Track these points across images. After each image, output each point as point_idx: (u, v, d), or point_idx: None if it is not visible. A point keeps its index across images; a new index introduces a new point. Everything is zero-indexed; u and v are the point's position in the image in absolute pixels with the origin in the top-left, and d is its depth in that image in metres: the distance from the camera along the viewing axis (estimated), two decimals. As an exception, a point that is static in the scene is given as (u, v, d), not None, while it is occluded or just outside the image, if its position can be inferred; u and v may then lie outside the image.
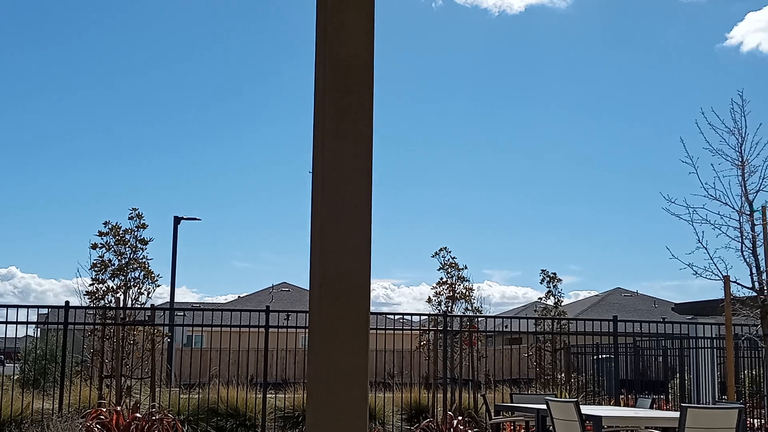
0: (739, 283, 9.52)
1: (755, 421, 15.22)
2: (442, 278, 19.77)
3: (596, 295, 49.84)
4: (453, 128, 53.65)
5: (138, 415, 11.94)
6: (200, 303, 52.02)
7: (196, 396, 14.59)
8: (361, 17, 2.58)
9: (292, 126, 44.48)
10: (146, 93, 51.14)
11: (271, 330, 14.39)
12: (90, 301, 14.58)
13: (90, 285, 14.64)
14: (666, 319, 20.37)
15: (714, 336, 17.07)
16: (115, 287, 14.61)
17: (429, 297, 19.99)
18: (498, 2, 51.97)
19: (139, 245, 14.85)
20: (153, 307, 15.14)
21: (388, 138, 50.36)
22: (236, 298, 52.50)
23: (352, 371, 2.36)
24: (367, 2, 2.60)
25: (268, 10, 48.83)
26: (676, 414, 7.63)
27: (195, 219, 31.58)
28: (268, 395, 14.39)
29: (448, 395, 14.79)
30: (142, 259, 14.79)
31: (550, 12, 49.58)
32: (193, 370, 18.30)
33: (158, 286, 14.97)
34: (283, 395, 15.33)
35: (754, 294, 9.37)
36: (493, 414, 10.63)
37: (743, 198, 9.50)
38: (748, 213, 9.47)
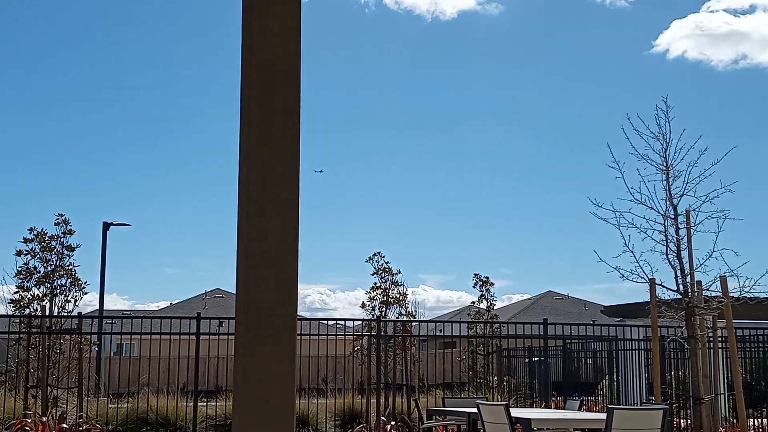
0: (664, 286, 9.72)
1: (682, 421, 15.57)
2: (376, 283, 19.82)
3: (528, 299, 50.51)
4: (384, 134, 53.85)
5: (65, 426, 11.65)
6: (131, 310, 51.11)
7: (126, 406, 14.31)
8: (288, 17, 2.56)
9: (221, 128, 43.98)
10: (70, 91, 50.02)
11: (202, 337, 14.20)
12: (14, 310, 14.22)
13: (14, 293, 14.29)
14: (596, 322, 20.75)
15: (642, 338, 17.44)
16: (40, 295, 14.27)
17: (363, 302, 20.03)
18: (431, 8, 52.32)
19: (65, 252, 14.55)
20: (80, 315, 14.81)
21: (319, 142, 50.32)
22: (168, 305, 51.75)
23: (278, 377, 2.33)
24: (294, 2, 2.58)
25: (195, 10, 48.22)
26: (604, 415, 7.76)
27: (125, 225, 31.05)
28: (199, 403, 14.20)
29: (382, 400, 14.79)
30: (68, 266, 14.50)
31: (482, 18, 50.11)
32: (124, 379, 17.94)
33: (86, 293, 14.70)
34: (215, 403, 15.14)
35: (679, 296, 9.58)
36: (425, 418, 10.67)
37: (668, 202, 9.72)
38: (673, 217, 9.68)
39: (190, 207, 56.58)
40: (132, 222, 31.78)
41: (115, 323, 19.30)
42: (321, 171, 43.11)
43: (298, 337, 14.60)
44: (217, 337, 15.74)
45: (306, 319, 15.74)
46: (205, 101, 51.18)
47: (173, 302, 51.87)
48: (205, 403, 15.04)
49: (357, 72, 51.61)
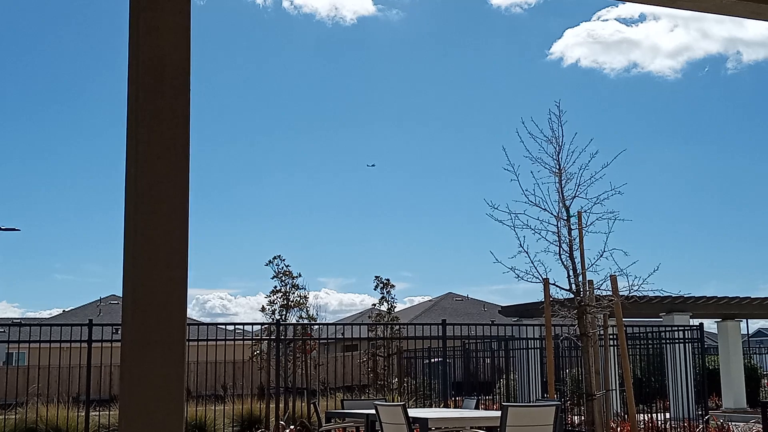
0: (557, 285, 9.95)
1: (575, 417, 16.01)
2: (276, 287, 19.70)
3: (429, 300, 51.03)
4: (284, 137, 53.51)
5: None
6: (21, 318, 49.27)
7: (14, 416, 13.79)
8: (177, 17, 2.51)
9: (111, 128, 42.77)
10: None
11: (95, 344, 13.81)
12: None
13: None
14: (494, 322, 21.14)
15: (537, 337, 17.85)
16: None
17: (263, 306, 19.88)
18: (331, 13, 52.26)
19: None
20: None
21: (214, 146, 49.66)
22: (61, 312, 50.11)
23: (166, 383, 2.29)
24: (184, 1, 2.53)
25: (80, 7, 46.72)
26: (499, 413, 7.91)
27: (14, 230, 29.95)
28: (92, 412, 13.80)
29: (282, 404, 14.69)
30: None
31: (382, 24, 50.41)
32: (14, 388, 17.27)
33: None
34: (107, 412, 14.75)
35: (572, 295, 9.82)
36: (324, 421, 10.65)
37: (561, 204, 9.95)
38: (565, 218, 9.92)
39: (81, 211, 54.90)
40: (21, 226, 30.70)
41: (2, 331, 18.56)
42: (373, 165, 42.49)
43: (197, 343, 14.34)
44: (110, 344, 15.30)
45: (204, 324, 15.48)
46: (93, 100, 49.70)
47: (66, 309, 50.29)
48: (98, 412, 14.64)
49: (255, 75, 51.19)
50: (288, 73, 51.30)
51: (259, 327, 18.09)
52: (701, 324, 18.94)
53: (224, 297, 60.02)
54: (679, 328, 18.57)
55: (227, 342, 15.15)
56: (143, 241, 2.37)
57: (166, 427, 2.28)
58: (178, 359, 2.30)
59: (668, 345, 19.38)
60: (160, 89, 2.49)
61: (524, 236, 9.74)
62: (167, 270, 2.37)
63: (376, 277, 21.99)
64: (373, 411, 8.89)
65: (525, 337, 18.18)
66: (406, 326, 20.58)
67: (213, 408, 14.79)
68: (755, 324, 50.80)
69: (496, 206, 9.94)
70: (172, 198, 2.43)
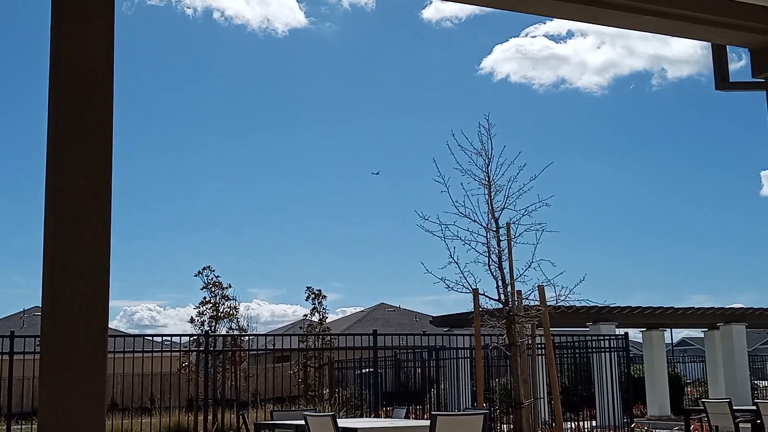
0: (487, 296, 10.06)
1: (504, 426, 16.18)
2: (206, 297, 19.48)
3: (361, 311, 51.03)
4: (213, 146, 52.92)
5: None
6: (-61, 330, 47.65)
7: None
8: (101, 24, 2.48)
9: (35, 138, 41.73)
10: None
11: (18, 357, 13.43)
12: None
13: None
14: (426, 332, 21.26)
15: (468, 346, 18.02)
16: None
17: (192, 317, 19.61)
18: (263, 25, 51.99)
19: None
20: None
21: (145, 154, 48.97)
22: (-18, 323, 48.59)
23: (87, 397, 2.25)
24: (108, 9, 2.50)
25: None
26: (428, 422, 7.95)
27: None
28: (14, 426, 13.42)
29: (210, 416, 14.51)
30: None
31: (314, 36, 50.38)
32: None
33: None
34: (30, 425, 14.36)
35: (501, 305, 9.94)
36: (253, 433, 10.56)
37: (490, 215, 10.08)
38: (494, 229, 10.05)
39: (3, 220, 53.38)
40: (-59, 235, 29.74)
41: None
42: (377, 173, 41.97)
43: (123, 355, 14.08)
44: (33, 356, 14.90)
45: (131, 336, 15.20)
46: (17, 102, 48.44)
47: (-13, 321, 48.80)
48: (20, 426, 14.24)
49: (184, 86, 50.63)
50: (218, 84, 50.88)
51: (187, 338, 17.86)
52: (626, 333, 19.39)
53: (153, 308, 59.05)
54: (605, 338, 18.96)
55: (155, 354, 14.89)
56: (63, 251, 2.33)
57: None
58: (98, 373, 2.26)
59: (595, 354, 19.76)
60: (83, 96, 2.45)
61: (454, 247, 9.84)
62: (88, 280, 2.34)
63: (308, 287, 21.95)
64: (301, 421, 8.85)
65: (455, 346, 18.33)
66: (337, 337, 20.55)
67: (140, 421, 14.53)
68: (679, 333, 52.10)
69: (426, 217, 10.01)
70: (93, 207, 2.40)
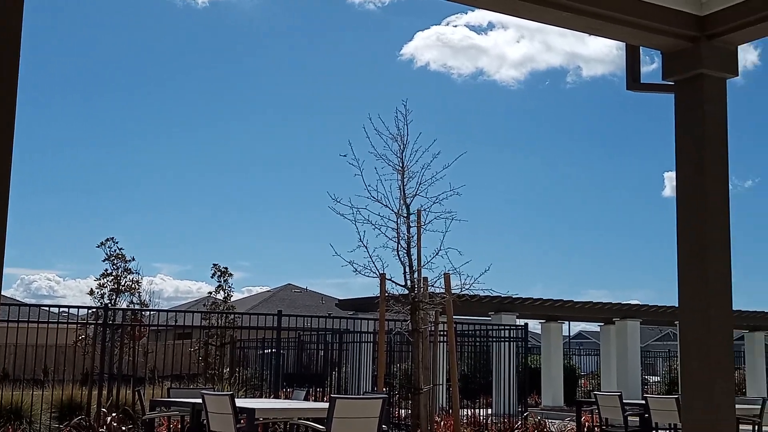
0: (393, 281, 10.09)
1: (403, 411, 16.33)
2: (107, 270, 18.99)
3: (268, 291, 50.73)
4: (123, 116, 51.57)
5: None
6: None
7: None
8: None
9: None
10: None
11: None
12: None
13: None
14: (331, 315, 21.26)
15: (372, 331, 18.09)
16: None
17: (92, 289, 19.11)
18: (184, -8, 50.91)
19: None
20: None
21: (52, 116, 47.47)
22: None
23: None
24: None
25: None
26: (327, 404, 7.95)
27: None
28: None
29: (106, 392, 14.19)
30: None
31: (236, 8, 49.56)
32: None
33: None
34: None
35: (407, 291, 9.99)
36: (147, 410, 10.36)
37: (401, 201, 10.10)
38: (405, 215, 10.08)
39: None
40: None
41: None
42: (345, 155, 40.90)
43: (17, 325, 13.60)
44: None
45: (27, 305, 14.71)
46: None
47: None
48: None
49: (95, 50, 49.22)
50: (132, 50, 49.62)
51: (86, 311, 17.39)
52: (526, 324, 19.79)
53: (52, 278, 57.51)
54: (506, 328, 19.31)
55: (51, 325, 14.46)
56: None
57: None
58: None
59: (495, 343, 20.13)
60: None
61: (364, 231, 9.83)
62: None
63: (214, 264, 21.61)
64: (198, 400, 8.73)
65: (359, 330, 18.39)
66: (241, 316, 20.35)
67: (31, 393, 14.09)
68: (576, 326, 53.68)
69: (338, 200, 9.97)
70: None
